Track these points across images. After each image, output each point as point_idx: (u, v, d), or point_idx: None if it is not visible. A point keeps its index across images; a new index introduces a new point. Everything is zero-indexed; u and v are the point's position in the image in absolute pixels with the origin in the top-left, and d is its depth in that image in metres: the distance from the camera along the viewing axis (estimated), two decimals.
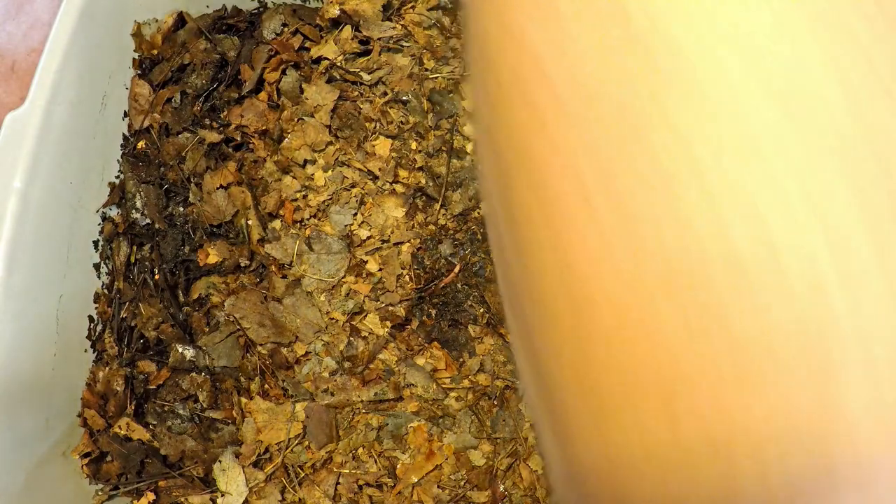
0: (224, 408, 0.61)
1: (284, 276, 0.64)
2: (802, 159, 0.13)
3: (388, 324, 0.63)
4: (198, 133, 0.68)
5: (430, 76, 0.71)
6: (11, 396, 0.53)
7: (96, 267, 0.63)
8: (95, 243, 0.64)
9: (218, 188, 0.66)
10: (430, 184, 0.67)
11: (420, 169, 0.68)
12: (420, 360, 0.62)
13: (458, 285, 0.64)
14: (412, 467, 0.59)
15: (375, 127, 0.69)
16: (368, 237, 0.65)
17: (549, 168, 0.15)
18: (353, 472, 0.59)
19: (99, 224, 0.64)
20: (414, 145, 0.68)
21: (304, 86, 0.69)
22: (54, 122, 0.57)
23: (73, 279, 0.60)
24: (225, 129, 0.69)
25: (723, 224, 0.13)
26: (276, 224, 0.66)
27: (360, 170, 0.68)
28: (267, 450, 0.60)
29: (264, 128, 0.69)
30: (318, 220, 0.66)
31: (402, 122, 0.69)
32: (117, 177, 0.66)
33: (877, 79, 0.13)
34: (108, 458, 0.60)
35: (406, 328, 0.64)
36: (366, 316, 0.63)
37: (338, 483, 0.59)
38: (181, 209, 0.67)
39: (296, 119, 0.68)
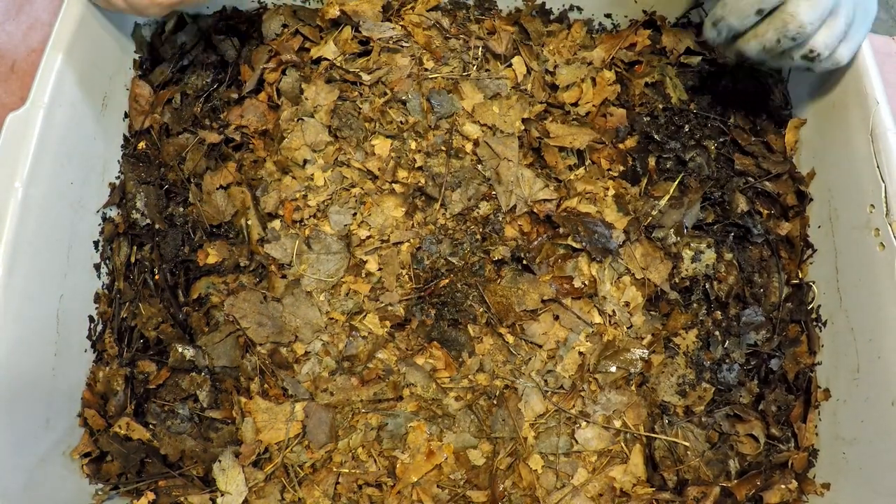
0: (224, 407, 0.61)
1: (284, 276, 0.64)
2: None
3: (388, 323, 0.63)
4: (198, 133, 0.68)
5: (430, 76, 0.71)
6: (12, 396, 0.53)
7: (96, 267, 0.64)
8: (96, 243, 0.64)
9: (218, 188, 0.66)
10: (430, 183, 0.67)
11: (419, 169, 0.68)
12: (419, 360, 0.62)
13: (458, 285, 0.64)
14: (412, 467, 0.59)
15: (375, 127, 0.69)
16: (368, 237, 0.65)
17: None
18: (353, 471, 0.59)
19: (99, 224, 0.64)
20: (413, 145, 0.68)
21: (303, 86, 0.70)
22: (54, 123, 0.57)
23: (74, 279, 0.60)
24: (225, 130, 0.69)
25: None
26: (276, 224, 0.66)
27: (359, 170, 0.68)
28: (266, 449, 0.60)
29: (264, 128, 0.69)
30: (318, 219, 0.66)
31: (401, 122, 0.69)
32: (118, 177, 0.67)
33: None
34: (108, 457, 0.60)
35: (405, 328, 0.64)
36: (365, 316, 0.63)
37: (337, 483, 0.59)
38: (181, 209, 0.67)
39: (296, 119, 0.68)
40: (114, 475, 0.60)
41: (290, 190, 0.66)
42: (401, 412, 0.61)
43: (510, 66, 0.72)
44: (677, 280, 0.66)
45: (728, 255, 0.67)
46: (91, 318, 0.63)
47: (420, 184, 0.67)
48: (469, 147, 0.69)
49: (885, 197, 0.57)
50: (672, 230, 0.66)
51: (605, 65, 0.73)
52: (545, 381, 0.62)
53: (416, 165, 0.68)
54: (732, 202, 0.68)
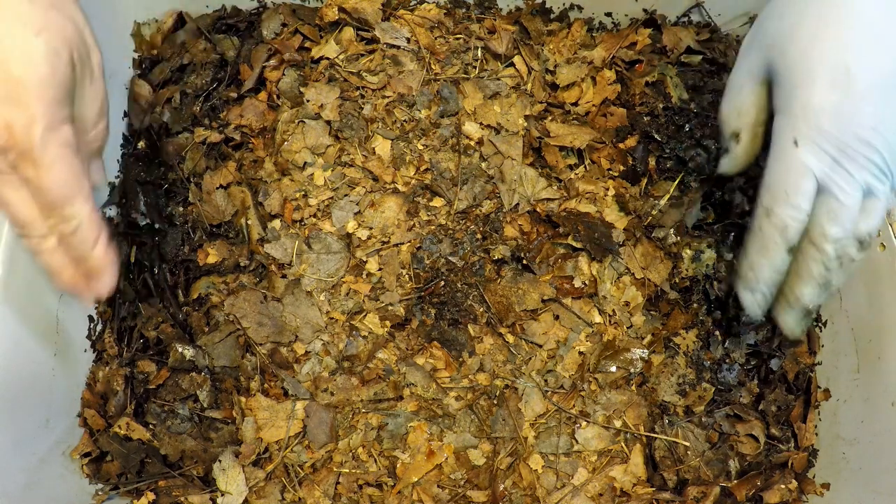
0: (224, 407, 0.61)
1: (284, 276, 0.64)
2: None
3: (388, 323, 0.63)
4: (198, 133, 0.68)
5: (432, 76, 0.71)
6: (11, 396, 0.53)
7: None
8: None
9: (218, 188, 0.66)
10: (431, 183, 0.67)
11: (421, 168, 0.68)
12: (420, 360, 0.62)
13: (458, 285, 0.64)
14: (412, 467, 0.59)
15: (377, 127, 0.69)
16: (368, 237, 0.65)
17: None
18: (353, 471, 0.59)
19: None
20: (415, 144, 0.68)
21: (303, 86, 0.69)
22: None
23: None
24: (225, 129, 0.69)
25: None
26: (276, 224, 0.66)
27: (360, 169, 0.67)
28: (267, 449, 0.60)
29: (263, 126, 0.69)
30: (318, 219, 0.66)
31: (403, 122, 0.69)
32: (117, 176, 0.66)
33: None
34: (108, 457, 0.60)
35: (406, 328, 0.64)
36: (365, 315, 0.63)
37: (338, 483, 0.59)
38: (181, 209, 0.67)
39: (296, 120, 0.68)
40: (114, 475, 0.60)
41: (290, 189, 0.66)
42: (401, 412, 0.61)
43: (511, 65, 0.72)
44: (677, 280, 0.66)
45: (728, 255, 0.67)
46: (91, 318, 0.63)
47: (421, 183, 0.67)
48: (473, 145, 0.69)
49: None
50: (672, 230, 0.66)
51: (605, 64, 0.73)
52: (545, 380, 0.62)
53: (417, 165, 0.67)
54: (732, 202, 0.68)
